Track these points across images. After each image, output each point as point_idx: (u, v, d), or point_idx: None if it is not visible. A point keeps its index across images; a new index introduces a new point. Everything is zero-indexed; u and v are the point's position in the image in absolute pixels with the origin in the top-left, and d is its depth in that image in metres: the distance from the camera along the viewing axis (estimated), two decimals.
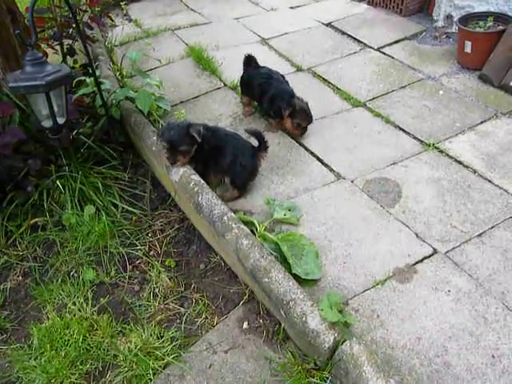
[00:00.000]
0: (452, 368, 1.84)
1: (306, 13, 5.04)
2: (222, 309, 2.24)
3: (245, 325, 2.14)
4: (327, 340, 1.72)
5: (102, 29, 4.77)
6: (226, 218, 2.25)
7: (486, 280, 2.17)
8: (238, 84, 3.59)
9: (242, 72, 3.40)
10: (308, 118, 3.05)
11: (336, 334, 1.73)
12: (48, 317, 2.21)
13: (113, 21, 4.21)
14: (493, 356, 1.87)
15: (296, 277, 2.08)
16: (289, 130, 3.13)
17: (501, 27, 3.71)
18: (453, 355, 1.88)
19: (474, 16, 3.96)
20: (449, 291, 2.11)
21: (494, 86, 3.61)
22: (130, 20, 5.18)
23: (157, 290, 2.32)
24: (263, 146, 2.69)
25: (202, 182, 2.49)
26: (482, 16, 3.90)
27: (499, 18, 3.83)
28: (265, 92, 3.15)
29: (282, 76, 3.31)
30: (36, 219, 2.70)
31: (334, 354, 1.71)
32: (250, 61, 3.35)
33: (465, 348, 1.90)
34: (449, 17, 4.43)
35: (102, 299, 2.31)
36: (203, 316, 2.19)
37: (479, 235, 2.39)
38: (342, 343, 1.70)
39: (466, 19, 3.92)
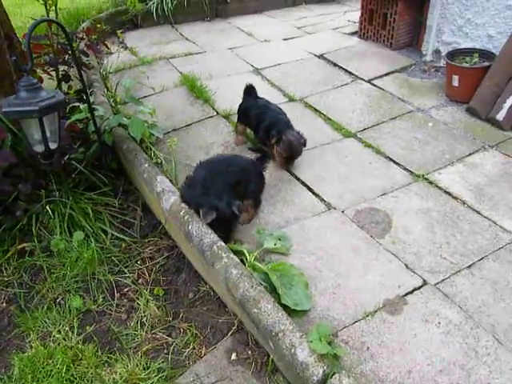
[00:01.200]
0: None
1: (299, 45, 5.16)
2: (210, 339, 2.20)
3: (233, 356, 2.10)
4: (316, 373, 1.69)
5: (98, 56, 4.83)
6: (215, 247, 2.24)
7: (475, 312, 2.16)
8: (231, 113, 3.64)
9: (236, 101, 3.45)
10: (291, 151, 3.03)
11: (325, 367, 1.70)
12: (31, 346, 2.15)
13: (108, 48, 4.25)
14: None
15: (285, 307, 2.06)
16: (273, 159, 3.14)
17: (486, 63, 3.82)
18: None
19: (461, 52, 4.07)
20: (439, 323, 2.10)
21: (481, 119, 3.69)
22: (126, 48, 5.25)
23: (144, 319, 2.28)
24: (266, 157, 2.89)
25: (193, 211, 2.48)
26: (468, 52, 4.02)
27: (484, 54, 3.95)
28: (261, 121, 3.19)
29: (279, 108, 3.35)
30: (24, 244, 2.67)
31: None
32: (250, 90, 3.40)
33: (456, 382, 1.87)
34: (437, 51, 4.55)
35: (88, 327, 2.26)
36: (191, 346, 2.15)
37: (469, 267, 2.39)
38: (331, 376, 1.67)
39: (453, 54, 4.04)
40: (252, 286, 2.02)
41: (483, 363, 1.95)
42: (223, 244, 2.26)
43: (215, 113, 3.82)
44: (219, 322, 2.26)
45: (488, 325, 2.10)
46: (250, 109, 3.30)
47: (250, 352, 2.10)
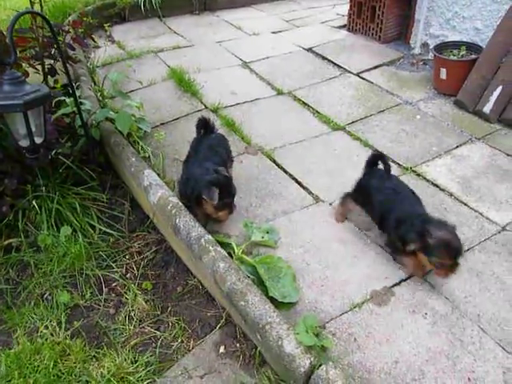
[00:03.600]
0: None
1: (288, 38, 5.15)
2: (198, 332, 2.20)
3: (221, 349, 2.10)
4: (303, 364, 1.70)
5: (85, 49, 4.78)
6: (203, 240, 2.23)
7: (461, 302, 2.18)
8: (219, 106, 3.63)
9: (224, 94, 3.38)
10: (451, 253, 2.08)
11: (312, 358, 1.71)
12: (18, 342, 2.14)
13: (95, 42, 4.21)
14: (469, 379, 1.87)
15: (273, 300, 2.06)
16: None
17: (473, 56, 3.85)
18: (430, 379, 1.87)
19: (449, 45, 4.10)
20: (426, 314, 2.12)
21: (468, 112, 3.72)
22: (114, 41, 5.21)
23: (132, 314, 2.28)
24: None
25: (180, 204, 2.47)
26: (456, 45, 4.04)
27: (471, 47, 3.98)
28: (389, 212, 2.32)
29: (412, 192, 2.46)
30: (10, 240, 2.64)
31: (310, 379, 1.69)
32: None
33: (442, 371, 1.90)
34: (425, 45, 4.57)
35: (75, 323, 2.25)
36: (179, 340, 2.15)
37: None
38: (318, 367, 1.68)
39: (441, 47, 4.05)
40: (239, 279, 2.02)
41: (468, 352, 1.97)
42: (210, 237, 2.26)
43: (203, 106, 3.80)
44: (208, 315, 2.26)
45: (473, 315, 2.13)
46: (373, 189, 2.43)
47: (238, 345, 2.10)
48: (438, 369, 1.91)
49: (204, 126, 2.84)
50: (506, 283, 2.28)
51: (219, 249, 2.20)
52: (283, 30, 5.42)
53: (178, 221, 2.37)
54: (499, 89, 3.56)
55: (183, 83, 4.08)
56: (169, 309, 2.32)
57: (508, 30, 3.62)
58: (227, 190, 2.45)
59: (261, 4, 6.57)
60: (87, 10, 5.53)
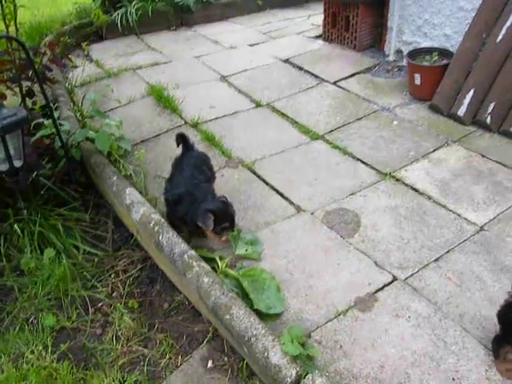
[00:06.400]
0: None
1: (265, 50, 5.22)
2: (186, 348, 2.20)
3: (209, 363, 2.11)
4: (289, 374, 1.72)
5: (63, 70, 4.79)
6: (186, 256, 2.25)
7: (444, 303, 2.22)
8: (199, 121, 3.67)
9: (204, 109, 3.40)
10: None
11: (298, 368, 1.73)
12: (2, 369, 2.11)
13: (72, 62, 4.23)
14: (453, 379, 1.91)
15: (258, 312, 2.08)
16: None
17: (445, 61, 3.94)
18: (415, 381, 1.90)
19: (421, 51, 4.19)
20: (409, 317, 2.16)
21: (443, 115, 3.80)
22: (91, 60, 5.22)
23: (119, 333, 2.27)
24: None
25: (163, 221, 2.49)
26: (428, 51, 4.14)
27: (443, 53, 4.08)
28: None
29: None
30: None
31: None
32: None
33: (426, 373, 1.93)
34: (399, 51, 4.67)
35: (62, 345, 2.23)
36: (167, 357, 2.16)
37: (436, 260, 2.46)
38: (305, 377, 1.71)
39: (414, 54, 4.15)
40: (223, 293, 2.04)
41: (452, 352, 2.01)
42: (194, 253, 2.28)
43: (183, 122, 3.83)
44: (195, 330, 2.27)
45: (456, 315, 2.17)
46: None
47: (226, 358, 2.11)
48: (422, 371, 1.94)
49: (182, 142, 2.86)
50: (486, 282, 2.33)
51: (203, 264, 2.22)
52: (260, 42, 5.50)
53: (161, 238, 2.38)
54: (471, 92, 3.66)
55: (162, 99, 4.11)
56: (156, 326, 2.32)
57: (475, 36, 3.72)
58: (226, 216, 2.49)
59: (237, 17, 6.65)
60: (64, 29, 5.56)
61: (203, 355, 2.15)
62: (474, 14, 3.80)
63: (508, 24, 3.54)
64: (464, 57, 3.79)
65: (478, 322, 2.14)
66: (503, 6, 3.60)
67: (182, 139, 2.86)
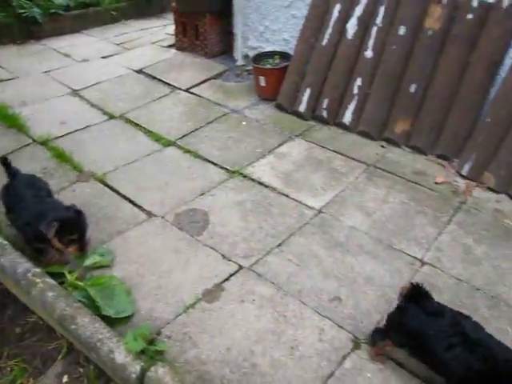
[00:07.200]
0: (258, 367, 2.03)
1: (118, 61, 5.19)
2: (40, 368, 2.15)
3: (65, 378, 2.09)
4: (134, 370, 1.79)
5: None
6: (29, 274, 2.21)
7: (285, 283, 2.45)
8: (49, 138, 3.54)
9: (54, 125, 3.30)
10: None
11: (142, 363, 1.81)
12: None
13: None
14: (291, 347, 2.12)
15: (108, 318, 2.12)
16: None
17: (285, 63, 4.29)
18: (258, 356, 2.07)
19: (265, 55, 4.52)
20: (253, 300, 2.34)
21: (288, 113, 4.14)
22: None
23: None
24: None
25: (5, 242, 2.40)
26: (271, 54, 4.48)
27: (284, 56, 4.43)
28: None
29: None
30: None
31: (144, 382, 1.78)
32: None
33: (269, 347, 2.12)
34: (246, 56, 4.97)
35: None
36: (18, 382, 2.09)
37: (279, 245, 2.69)
38: (149, 370, 1.78)
39: (258, 57, 4.45)
40: (69, 305, 2.05)
41: (291, 324, 2.23)
42: (38, 270, 2.25)
43: (31, 140, 3.67)
44: (49, 348, 2.22)
45: (295, 291, 2.40)
46: None
47: (81, 370, 2.11)
48: (265, 345, 2.12)
49: (5, 166, 2.67)
50: (321, 258, 2.61)
51: (48, 279, 2.20)
52: (114, 53, 5.45)
53: (2, 260, 2.31)
54: (308, 90, 4.03)
55: (7, 118, 3.90)
56: (5, 354, 2.23)
57: (305, 40, 4.11)
58: (75, 226, 2.40)
59: (91, 29, 6.48)
60: None
61: (58, 371, 2.12)
62: (303, 21, 4.19)
63: (329, 30, 3.97)
64: (299, 59, 4.16)
65: (314, 293, 2.40)
66: (324, 15, 4.02)
67: (3, 164, 2.66)
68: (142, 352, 1.88)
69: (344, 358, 2.10)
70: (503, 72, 3.44)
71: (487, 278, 2.55)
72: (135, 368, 1.79)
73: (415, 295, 1.93)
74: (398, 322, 1.98)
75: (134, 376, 1.78)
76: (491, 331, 1.86)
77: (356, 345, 2.16)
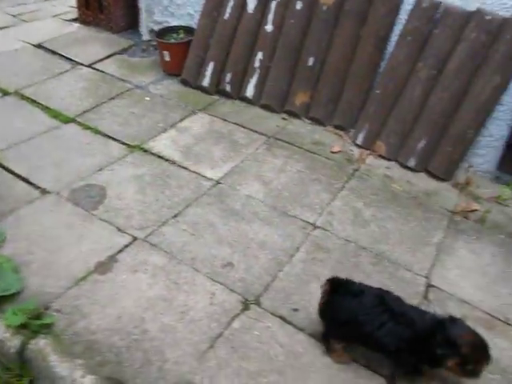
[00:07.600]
0: (149, 333, 2.11)
1: (14, 34, 4.88)
2: None
3: None
4: (13, 344, 1.81)
5: None
6: None
7: (179, 252, 2.53)
8: None
9: None
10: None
11: (23, 337, 1.83)
12: None
13: None
14: (182, 312, 2.22)
15: None
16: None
17: (189, 38, 4.29)
18: (149, 322, 2.16)
19: (170, 29, 4.47)
20: (146, 270, 2.41)
21: (192, 88, 4.17)
22: None
23: None
24: None
25: None
26: (176, 29, 4.44)
27: (188, 30, 4.41)
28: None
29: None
30: None
31: (24, 355, 1.81)
32: None
33: (159, 313, 2.20)
34: (152, 31, 4.88)
35: None
36: None
37: (174, 216, 2.76)
38: (29, 343, 1.81)
39: (163, 32, 4.41)
40: None
41: (183, 291, 2.32)
42: None
43: None
44: None
45: (188, 259, 2.50)
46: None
47: None
48: (156, 312, 2.21)
49: None
50: (217, 226, 2.72)
51: None
52: (9, 25, 5.11)
53: None
54: (211, 65, 4.07)
55: None
56: None
57: (208, 14, 4.11)
58: None
59: None
60: None
61: None
62: None
63: (231, 4, 4.01)
64: (202, 33, 4.16)
65: (208, 260, 2.51)
66: None
67: None
68: (25, 327, 1.89)
69: (233, 318, 2.22)
70: (390, 47, 3.67)
71: (373, 237, 2.78)
72: (14, 342, 1.81)
73: (335, 287, 2.04)
74: (330, 318, 2.08)
75: (13, 350, 1.80)
76: (374, 284, 2.07)
77: (245, 306, 2.29)
